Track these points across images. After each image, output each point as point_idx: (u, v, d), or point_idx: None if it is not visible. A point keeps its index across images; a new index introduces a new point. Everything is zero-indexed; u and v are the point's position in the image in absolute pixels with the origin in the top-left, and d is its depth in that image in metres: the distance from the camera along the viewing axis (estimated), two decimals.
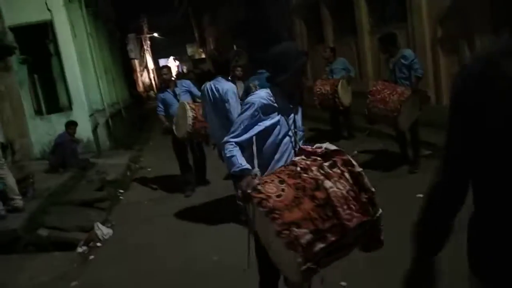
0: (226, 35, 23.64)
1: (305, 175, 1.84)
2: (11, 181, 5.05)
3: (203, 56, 34.05)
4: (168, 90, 5.93)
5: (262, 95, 2.33)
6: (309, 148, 2.04)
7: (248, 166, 2.22)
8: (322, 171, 1.84)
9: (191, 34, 37.30)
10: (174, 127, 5.58)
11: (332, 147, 1.95)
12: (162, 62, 39.84)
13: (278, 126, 2.34)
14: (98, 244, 4.66)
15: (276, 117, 2.33)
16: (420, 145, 5.62)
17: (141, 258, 4.17)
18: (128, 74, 20.48)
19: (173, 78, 6.48)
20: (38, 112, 9.30)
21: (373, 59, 9.50)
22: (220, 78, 4.43)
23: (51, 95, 9.63)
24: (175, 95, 5.87)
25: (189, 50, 40.52)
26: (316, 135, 8.49)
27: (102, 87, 10.95)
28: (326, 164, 1.87)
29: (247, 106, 2.32)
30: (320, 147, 1.97)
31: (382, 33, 6.03)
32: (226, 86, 4.30)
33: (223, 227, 4.59)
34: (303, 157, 1.99)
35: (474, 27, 6.17)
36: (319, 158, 1.92)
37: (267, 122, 2.31)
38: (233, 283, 3.36)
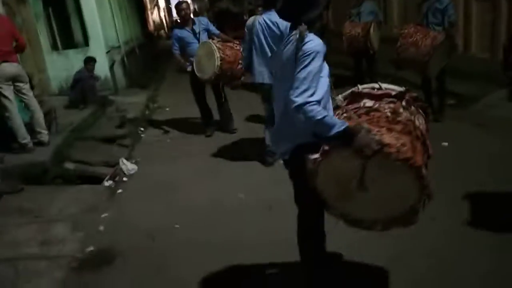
0: None
1: (400, 118, 1.88)
2: (38, 114, 5.07)
3: None
4: (187, 27, 5.61)
5: (319, 42, 2.01)
6: (377, 91, 2.01)
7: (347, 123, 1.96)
8: (408, 111, 1.90)
9: None
10: (195, 68, 5.29)
11: (396, 87, 1.97)
12: None
13: (328, 74, 2.13)
14: (124, 179, 4.77)
15: (326, 65, 2.09)
16: (445, 93, 5.56)
17: (168, 193, 4.26)
18: (140, 11, 19.92)
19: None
20: (54, 47, 9.18)
21: (399, 3, 9.12)
22: (273, 12, 4.05)
23: (64, 30, 9.45)
24: (194, 34, 5.56)
25: None
26: (337, 80, 8.35)
27: (117, 24, 10.70)
28: (403, 103, 1.92)
29: (312, 56, 1.96)
30: (378, 88, 1.97)
31: None
32: (285, 22, 4.00)
33: (247, 167, 4.66)
34: (373, 101, 1.97)
35: None
36: (395, 100, 1.95)
37: (325, 72, 2.07)
38: (258, 220, 3.47)
